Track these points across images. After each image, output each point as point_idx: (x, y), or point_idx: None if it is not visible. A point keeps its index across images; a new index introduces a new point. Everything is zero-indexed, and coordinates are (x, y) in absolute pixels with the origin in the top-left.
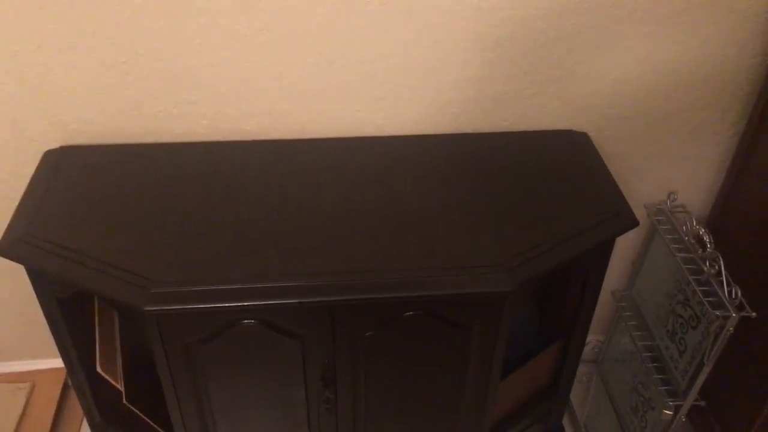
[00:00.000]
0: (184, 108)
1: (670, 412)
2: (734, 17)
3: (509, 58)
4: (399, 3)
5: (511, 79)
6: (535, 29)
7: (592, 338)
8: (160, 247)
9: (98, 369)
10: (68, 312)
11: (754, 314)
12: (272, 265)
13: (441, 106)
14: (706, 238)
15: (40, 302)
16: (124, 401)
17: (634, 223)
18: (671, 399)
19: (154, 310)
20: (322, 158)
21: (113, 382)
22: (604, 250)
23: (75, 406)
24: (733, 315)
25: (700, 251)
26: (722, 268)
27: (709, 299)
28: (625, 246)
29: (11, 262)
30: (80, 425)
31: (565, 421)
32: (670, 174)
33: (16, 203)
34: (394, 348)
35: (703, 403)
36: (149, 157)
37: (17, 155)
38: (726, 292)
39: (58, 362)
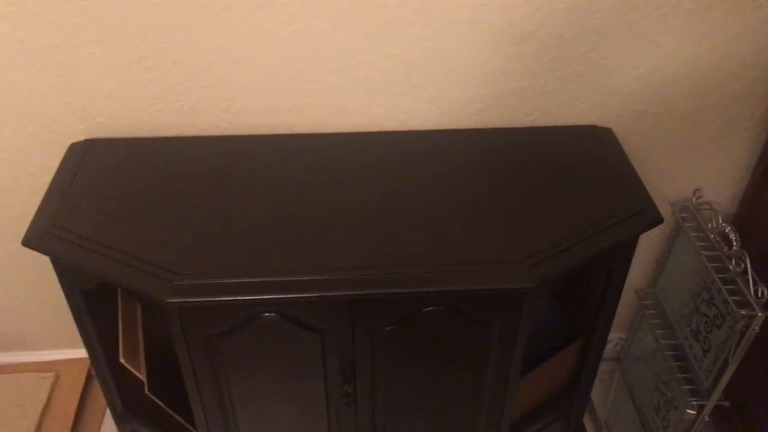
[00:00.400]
0: (208, 102)
1: (693, 412)
2: (763, 13)
3: (533, 53)
4: None
5: (534, 75)
6: (559, 24)
7: (615, 336)
8: (182, 239)
9: (121, 359)
10: (92, 303)
11: None
12: (294, 259)
13: (463, 101)
14: (732, 236)
15: (64, 293)
16: (146, 391)
17: (658, 220)
18: (694, 398)
19: (176, 302)
20: (344, 153)
21: (136, 373)
22: (628, 247)
23: (98, 395)
24: (759, 314)
25: (725, 249)
26: (748, 266)
27: (735, 298)
28: (650, 243)
29: (37, 253)
30: (103, 414)
31: (586, 420)
32: (696, 171)
33: (42, 195)
34: (414, 343)
35: (727, 404)
36: (173, 151)
37: (43, 148)
38: (752, 291)
39: (82, 352)
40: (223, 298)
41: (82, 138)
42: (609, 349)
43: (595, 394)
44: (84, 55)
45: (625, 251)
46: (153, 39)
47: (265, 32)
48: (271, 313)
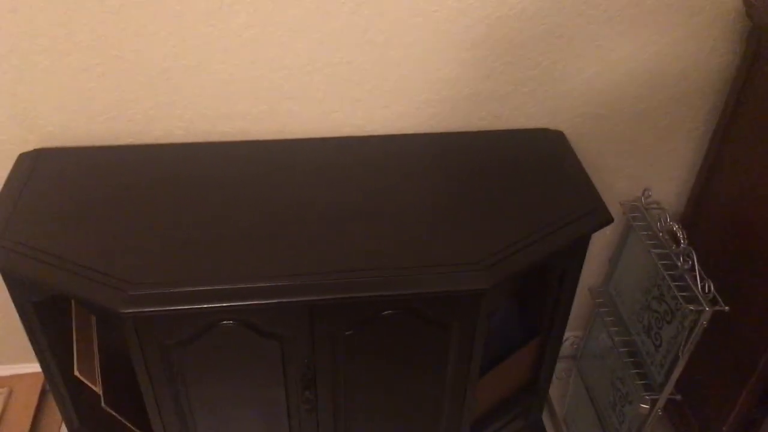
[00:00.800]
0: (161, 110)
1: (647, 406)
2: (704, 16)
3: (485, 58)
4: (374, 4)
5: (486, 79)
6: (509, 29)
7: (570, 334)
8: (136, 249)
9: (76, 372)
10: (45, 316)
11: (727, 308)
12: (250, 266)
13: (418, 105)
14: (679, 234)
15: (16, 306)
16: (103, 405)
17: (608, 219)
18: (648, 393)
19: (131, 312)
20: (301, 159)
21: (91, 386)
22: (580, 246)
23: (54, 410)
24: (707, 309)
25: (674, 247)
26: (695, 263)
27: (683, 294)
28: (602, 243)
29: None
30: (59, 430)
31: (545, 418)
32: (645, 171)
33: None
34: (374, 347)
35: (679, 397)
36: (125, 160)
37: None
38: (699, 287)
39: (36, 367)
40: (178, 307)
41: (31, 148)
42: (565, 348)
43: (553, 392)
44: (32, 64)
45: (578, 251)
46: (104, 47)
47: (217, 40)
48: (229, 321)
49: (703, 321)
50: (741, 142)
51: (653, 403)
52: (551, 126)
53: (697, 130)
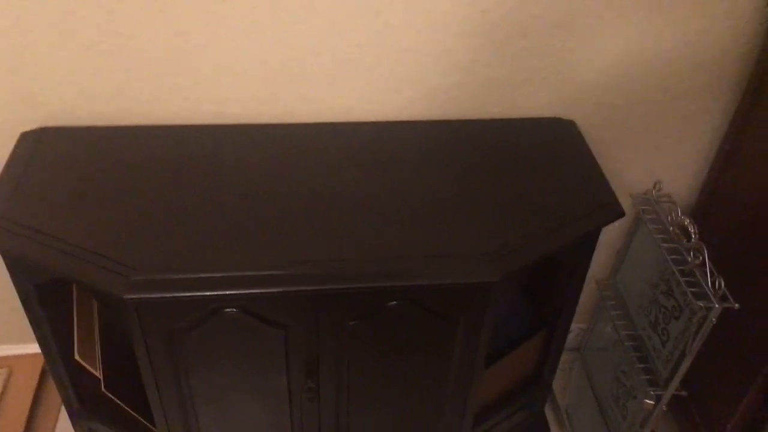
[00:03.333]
0: (167, 90)
1: (652, 402)
2: (725, 7)
3: (498, 44)
4: None
5: (500, 66)
6: (525, 15)
7: (575, 326)
8: (140, 233)
9: (76, 356)
10: (46, 298)
11: (736, 305)
12: (255, 253)
13: (429, 91)
14: (690, 229)
15: (16, 288)
16: (103, 389)
17: (620, 213)
18: (653, 388)
19: (134, 298)
20: (308, 143)
21: (91, 370)
22: (590, 239)
23: (54, 391)
24: (716, 306)
25: (684, 241)
26: (706, 258)
27: (693, 290)
28: (610, 235)
29: None
30: (59, 411)
31: (547, 409)
32: (657, 163)
33: None
34: (378, 337)
35: (684, 393)
36: (130, 140)
37: None
38: (709, 283)
39: (36, 347)
40: (182, 294)
41: (34, 126)
42: (570, 339)
43: (556, 384)
44: (37, 41)
45: (588, 243)
46: (110, 25)
47: (226, 20)
48: (232, 308)
49: (712, 318)
50: (757, 134)
51: (658, 398)
52: (563, 115)
53: (713, 122)
